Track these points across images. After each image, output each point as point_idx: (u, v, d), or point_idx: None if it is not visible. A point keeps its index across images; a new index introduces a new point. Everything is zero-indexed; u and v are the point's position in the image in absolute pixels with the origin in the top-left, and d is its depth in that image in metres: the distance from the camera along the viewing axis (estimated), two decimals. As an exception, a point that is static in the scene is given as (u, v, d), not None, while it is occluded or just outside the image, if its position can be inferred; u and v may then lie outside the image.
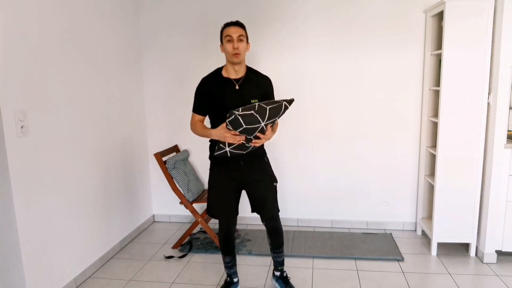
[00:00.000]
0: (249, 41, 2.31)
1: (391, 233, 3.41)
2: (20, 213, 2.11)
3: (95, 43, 2.84)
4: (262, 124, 2.13)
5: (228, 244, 2.46)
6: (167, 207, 3.82)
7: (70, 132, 2.56)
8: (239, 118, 2.09)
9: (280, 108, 2.15)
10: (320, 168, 3.54)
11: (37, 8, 2.25)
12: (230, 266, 2.50)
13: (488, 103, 2.77)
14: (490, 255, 2.85)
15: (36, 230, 2.25)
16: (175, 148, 3.58)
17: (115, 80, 3.14)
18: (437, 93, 3.13)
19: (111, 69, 3.07)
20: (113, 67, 3.10)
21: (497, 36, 2.66)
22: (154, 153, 3.18)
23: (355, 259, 2.96)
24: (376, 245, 3.17)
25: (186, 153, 3.52)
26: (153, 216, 3.87)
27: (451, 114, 2.81)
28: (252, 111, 2.10)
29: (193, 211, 3.15)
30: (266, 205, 2.38)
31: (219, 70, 2.34)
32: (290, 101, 2.18)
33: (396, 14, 3.22)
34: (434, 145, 3.22)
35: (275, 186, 2.43)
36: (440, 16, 3.03)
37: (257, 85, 2.31)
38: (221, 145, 2.22)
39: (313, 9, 3.31)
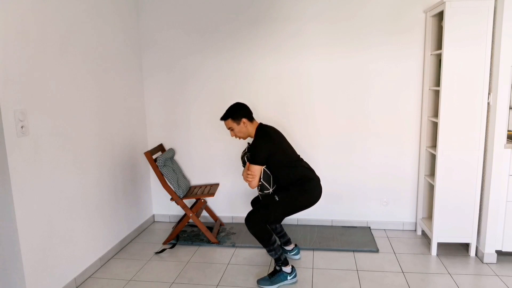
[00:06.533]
0: (240, 117, 2.64)
1: (369, 227, 3.53)
2: (20, 213, 2.11)
3: (95, 43, 2.85)
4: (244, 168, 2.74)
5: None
6: (167, 207, 3.82)
7: (70, 132, 2.56)
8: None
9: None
10: (320, 168, 3.53)
11: (37, 8, 2.25)
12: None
13: (488, 103, 2.77)
14: (490, 255, 2.85)
15: (36, 230, 2.25)
16: (160, 147, 3.62)
17: (115, 80, 3.14)
18: (437, 93, 3.13)
19: (111, 69, 3.08)
20: (113, 67, 3.10)
21: (497, 36, 2.66)
22: (144, 151, 3.23)
23: (332, 250, 3.10)
24: (353, 238, 3.30)
25: (172, 151, 3.56)
26: (153, 216, 3.87)
27: (451, 114, 2.81)
28: (245, 156, 2.75)
29: (184, 206, 3.25)
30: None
31: None
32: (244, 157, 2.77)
33: (396, 14, 3.22)
34: (434, 145, 3.22)
35: (273, 197, 2.61)
36: (440, 16, 3.03)
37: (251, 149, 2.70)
38: None
39: (313, 9, 3.31)
